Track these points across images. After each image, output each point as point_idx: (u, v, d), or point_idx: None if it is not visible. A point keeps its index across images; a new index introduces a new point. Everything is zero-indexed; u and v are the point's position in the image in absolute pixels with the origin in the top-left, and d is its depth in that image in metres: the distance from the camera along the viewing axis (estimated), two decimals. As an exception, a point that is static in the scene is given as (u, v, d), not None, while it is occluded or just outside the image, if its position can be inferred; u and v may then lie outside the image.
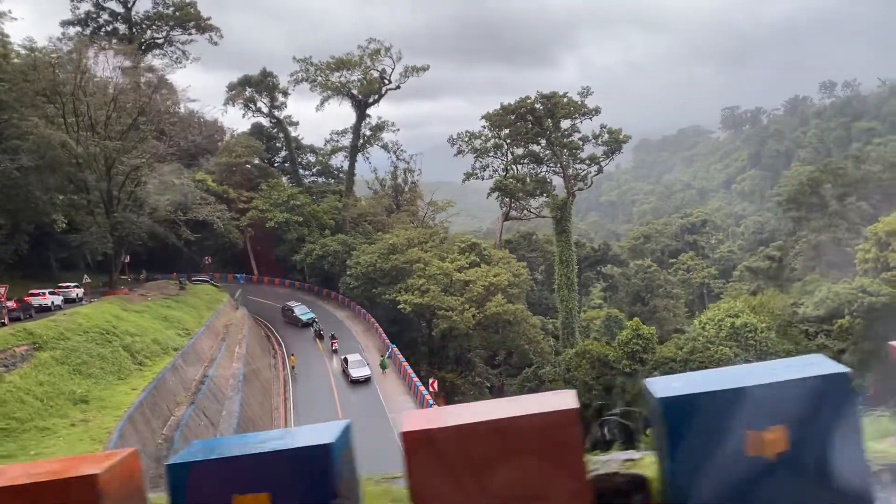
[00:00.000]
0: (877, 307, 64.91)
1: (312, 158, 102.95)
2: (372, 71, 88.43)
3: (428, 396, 51.80)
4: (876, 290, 64.69)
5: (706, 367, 73.41)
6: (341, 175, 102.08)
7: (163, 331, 48.84)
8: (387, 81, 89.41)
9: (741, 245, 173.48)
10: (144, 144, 59.20)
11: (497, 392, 75.40)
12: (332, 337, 64.99)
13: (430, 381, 55.92)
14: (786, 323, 78.62)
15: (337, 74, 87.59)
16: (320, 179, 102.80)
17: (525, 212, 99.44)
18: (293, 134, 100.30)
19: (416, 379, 55.34)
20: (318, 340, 67.56)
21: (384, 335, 65.84)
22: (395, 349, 61.45)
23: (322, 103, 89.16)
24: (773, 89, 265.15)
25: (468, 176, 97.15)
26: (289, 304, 75.20)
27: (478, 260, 72.38)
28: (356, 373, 55.79)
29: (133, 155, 56.76)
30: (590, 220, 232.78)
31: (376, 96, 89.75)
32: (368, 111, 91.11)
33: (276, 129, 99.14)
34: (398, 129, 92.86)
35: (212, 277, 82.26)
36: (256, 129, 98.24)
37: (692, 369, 70.36)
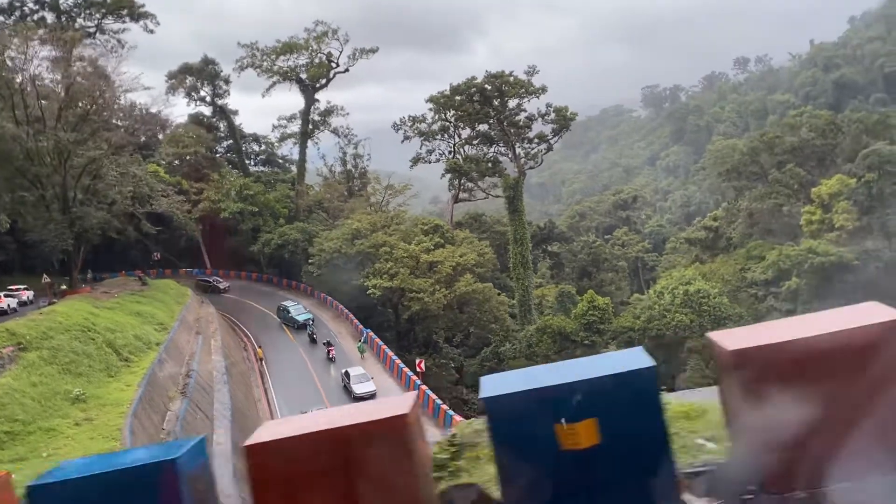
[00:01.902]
0: (825, 267, 68.01)
1: (256, 147, 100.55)
2: (319, 54, 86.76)
3: (414, 378, 51.64)
4: (824, 251, 67.75)
5: (664, 334, 75.62)
6: (287, 164, 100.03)
7: (140, 326, 47.24)
8: (335, 65, 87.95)
9: (669, 219, 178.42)
10: (97, 136, 56.64)
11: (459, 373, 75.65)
12: (328, 344, 58.32)
13: (417, 362, 55.69)
14: (735, 288, 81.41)
15: (283, 59, 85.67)
16: (265, 168, 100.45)
17: (473, 193, 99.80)
18: (236, 123, 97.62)
19: (398, 361, 55.05)
20: (285, 328, 66.16)
21: (356, 321, 65.17)
22: (371, 333, 60.94)
23: (268, 89, 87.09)
24: (689, 67, 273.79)
25: (415, 161, 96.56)
26: (284, 303, 68.90)
27: (442, 241, 72.36)
28: (360, 389, 49.16)
29: (88, 147, 54.24)
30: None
31: (324, 80, 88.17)
32: (317, 96, 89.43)
33: (216, 118, 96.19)
34: (348, 114, 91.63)
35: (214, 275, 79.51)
36: (194, 120, 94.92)
37: (651, 337, 72.82)
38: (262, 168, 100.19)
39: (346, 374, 51.45)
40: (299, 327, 64.57)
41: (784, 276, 75.34)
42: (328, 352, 57.46)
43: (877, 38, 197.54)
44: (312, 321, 64.69)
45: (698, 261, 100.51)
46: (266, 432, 5.35)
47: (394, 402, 5.36)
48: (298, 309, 67.33)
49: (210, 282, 78.10)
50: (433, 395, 48.87)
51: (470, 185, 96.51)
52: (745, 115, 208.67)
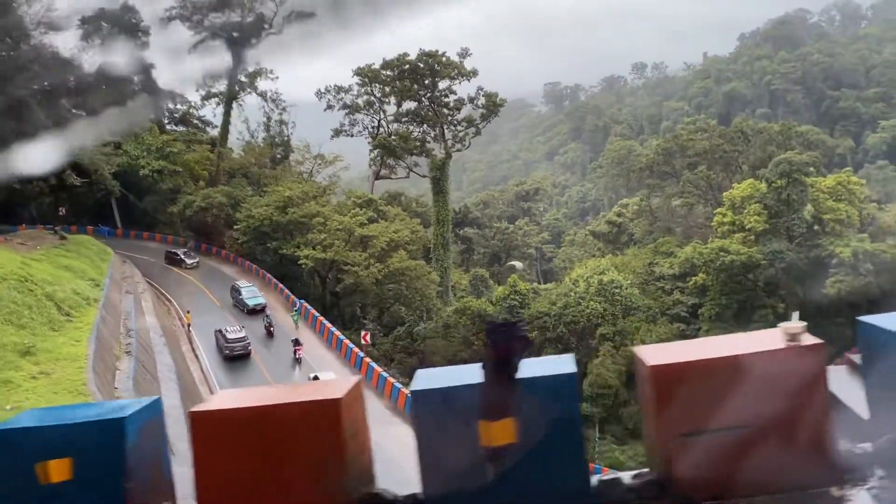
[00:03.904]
0: (733, 265, 72.36)
1: (172, 105, 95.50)
2: (252, 13, 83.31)
3: (356, 350, 50.90)
4: (736, 250, 72.01)
5: (579, 321, 78.07)
6: (204, 125, 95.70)
7: (75, 280, 44.24)
8: (267, 26, 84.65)
9: (565, 213, 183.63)
10: (20, 76, 52.32)
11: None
12: (296, 342, 50.53)
13: (363, 334, 54.87)
14: (644, 281, 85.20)
15: (215, 14, 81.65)
16: (180, 128, 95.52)
17: (394, 171, 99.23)
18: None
19: (337, 333, 54.03)
20: (208, 291, 63.19)
21: (287, 291, 63.48)
22: (307, 305, 59.45)
23: (196, 45, 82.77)
24: (590, 68, 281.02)
25: (336, 132, 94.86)
26: (237, 283, 61.58)
27: (375, 216, 71.61)
28: None
29: (14, 85, 50.02)
30: (423, 187, 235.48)
31: (255, 41, 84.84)
32: (246, 56, 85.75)
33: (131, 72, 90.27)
34: (277, 77, 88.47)
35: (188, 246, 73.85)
36: (102, 72, 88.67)
37: (566, 323, 75.21)
38: (176, 127, 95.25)
39: (316, 378, 42.92)
40: (250, 312, 57.18)
41: (691, 272, 79.53)
42: (294, 352, 50.06)
43: (764, 57, 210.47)
44: (266, 308, 57.41)
45: (600, 253, 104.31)
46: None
47: None
48: (251, 291, 59.58)
49: (178, 254, 70.62)
50: (378, 368, 48.55)
51: (392, 162, 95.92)
52: (640, 119, 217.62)
